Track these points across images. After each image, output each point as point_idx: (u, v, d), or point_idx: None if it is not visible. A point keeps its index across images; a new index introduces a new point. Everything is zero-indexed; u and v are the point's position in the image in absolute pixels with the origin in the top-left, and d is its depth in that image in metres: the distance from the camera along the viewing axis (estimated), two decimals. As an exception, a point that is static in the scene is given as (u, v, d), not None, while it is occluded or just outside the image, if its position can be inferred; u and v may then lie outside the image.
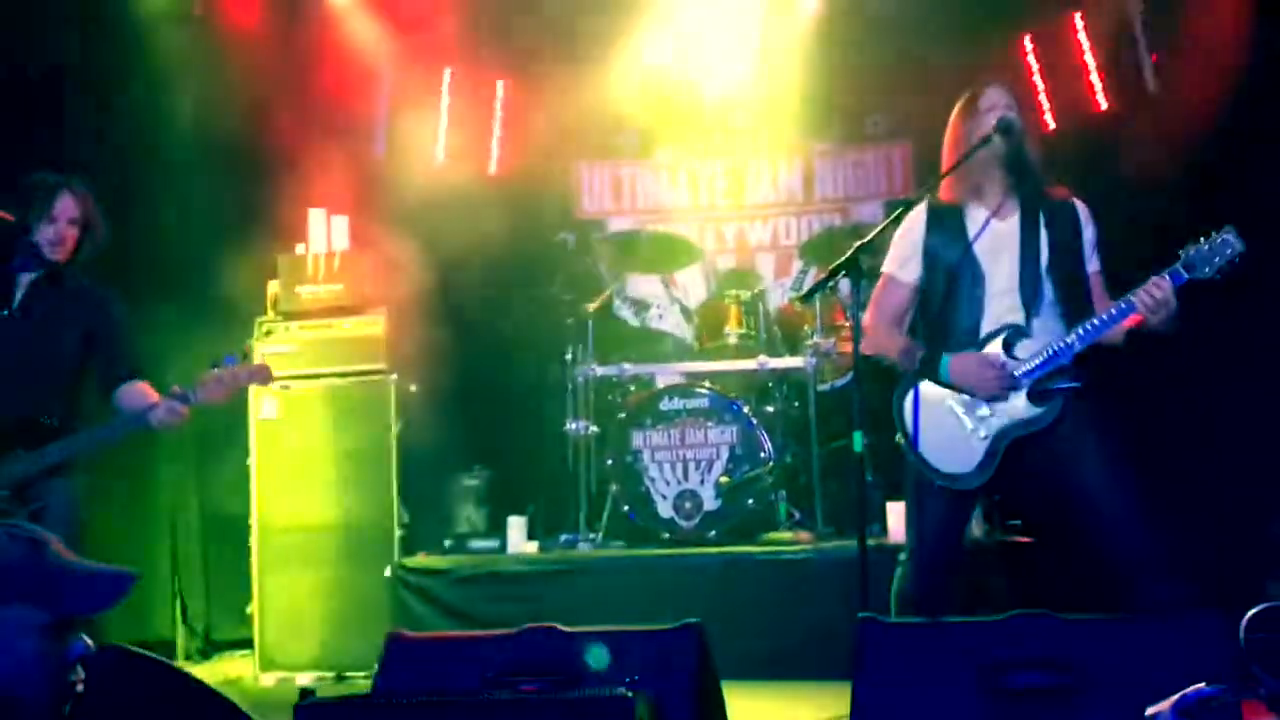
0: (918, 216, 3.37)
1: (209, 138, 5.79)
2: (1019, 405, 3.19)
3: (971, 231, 3.28)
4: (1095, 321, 3.13)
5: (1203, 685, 1.98)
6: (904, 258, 3.38)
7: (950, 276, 3.27)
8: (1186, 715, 1.97)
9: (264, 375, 3.68)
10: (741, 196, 7.01)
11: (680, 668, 2.52)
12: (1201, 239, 3.06)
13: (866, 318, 3.39)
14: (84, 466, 3.65)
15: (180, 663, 5.32)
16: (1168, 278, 3.04)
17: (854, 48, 6.52)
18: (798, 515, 5.35)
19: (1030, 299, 3.22)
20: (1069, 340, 3.15)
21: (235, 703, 2.61)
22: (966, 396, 3.21)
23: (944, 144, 3.38)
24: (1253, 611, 2.07)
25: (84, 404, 3.74)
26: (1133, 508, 3.10)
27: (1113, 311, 3.11)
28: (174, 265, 5.75)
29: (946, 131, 3.38)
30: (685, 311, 6.40)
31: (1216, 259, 3.03)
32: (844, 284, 5.43)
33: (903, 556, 3.30)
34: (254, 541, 5.22)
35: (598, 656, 2.55)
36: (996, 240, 3.27)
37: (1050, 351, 3.17)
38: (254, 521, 5.23)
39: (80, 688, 1.90)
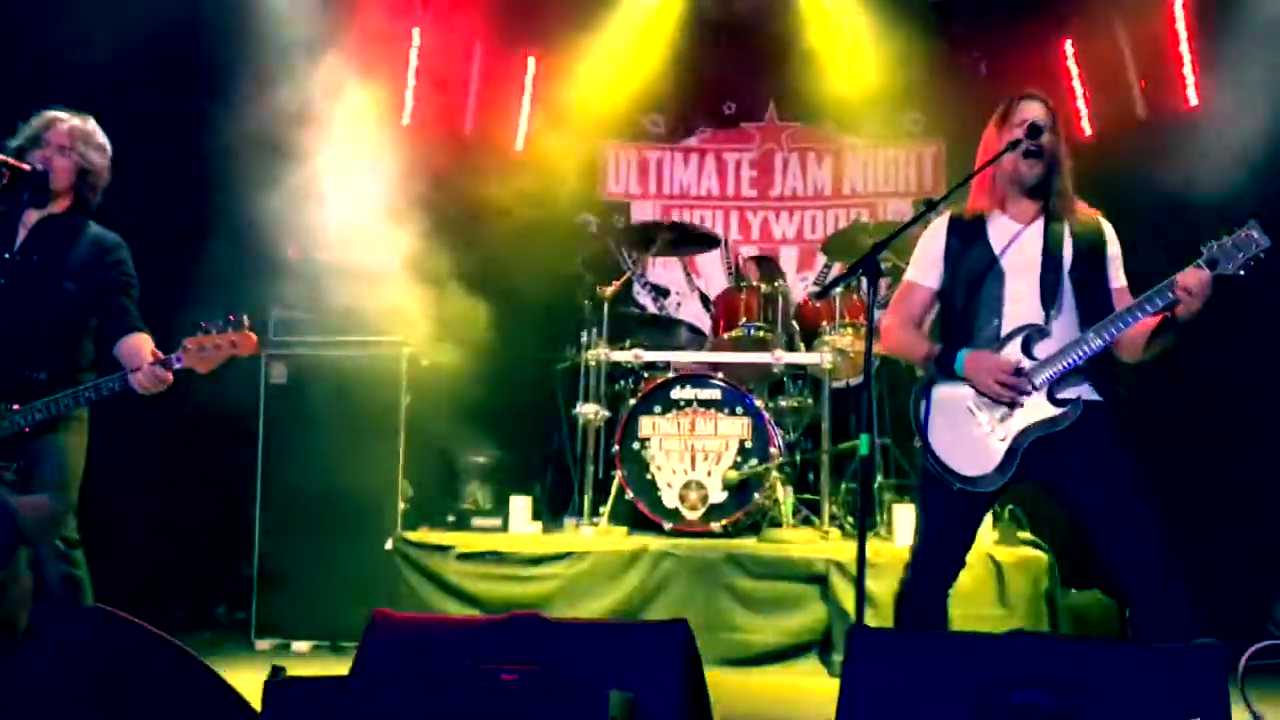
0: (940, 226, 3.34)
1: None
2: (1039, 404, 3.12)
3: (994, 238, 3.23)
4: (1115, 319, 3.06)
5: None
6: (926, 266, 3.35)
7: (972, 283, 3.22)
8: (1180, 747, 1.92)
9: (249, 346, 3.42)
10: (769, 187, 6.95)
11: (664, 664, 2.47)
12: (1225, 235, 2.97)
13: (885, 318, 3.37)
14: (78, 423, 3.53)
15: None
16: (1200, 268, 2.94)
17: (894, 45, 6.45)
18: (804, 512, 5.29)
19: (1051, 303, 3.16)
20: (1090, 339, 3.08)
21: (219, 673, 2.58)
22: (986, 398, 3.14)
23: (978, 152, 3.31)
24: (1255, 647, 2.01)
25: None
26: (1147, 532, 3.02)
27: (1135, 311, 3.03)
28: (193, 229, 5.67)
29: (982, 139, 3.32)
30: (705, 300, 6.33)
31: (1241, 254, 2.94)
32: (866, 281, 5.40)
33: (909, 561, 3.23)
34: (256, 505, 5.21)
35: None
36: (1021, 247, 3.22)
37: (1070, 351, 3.10)
38: (258, 485, 5.22)
39: None
